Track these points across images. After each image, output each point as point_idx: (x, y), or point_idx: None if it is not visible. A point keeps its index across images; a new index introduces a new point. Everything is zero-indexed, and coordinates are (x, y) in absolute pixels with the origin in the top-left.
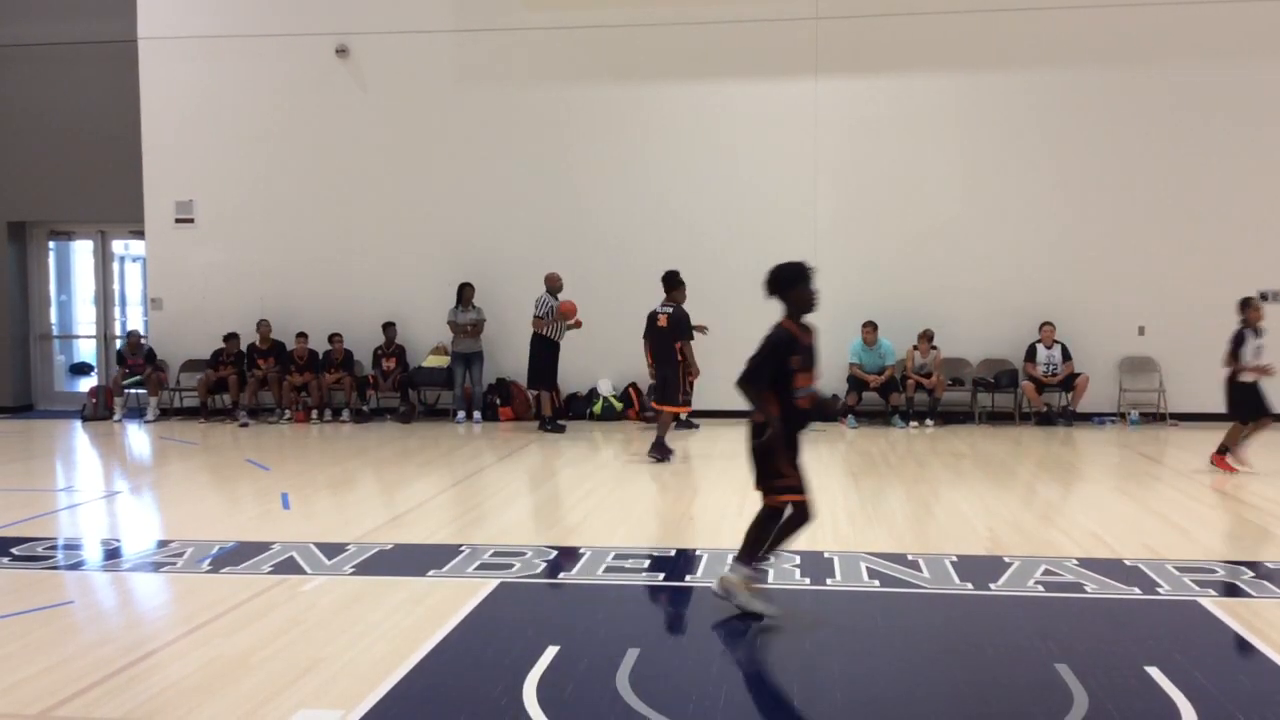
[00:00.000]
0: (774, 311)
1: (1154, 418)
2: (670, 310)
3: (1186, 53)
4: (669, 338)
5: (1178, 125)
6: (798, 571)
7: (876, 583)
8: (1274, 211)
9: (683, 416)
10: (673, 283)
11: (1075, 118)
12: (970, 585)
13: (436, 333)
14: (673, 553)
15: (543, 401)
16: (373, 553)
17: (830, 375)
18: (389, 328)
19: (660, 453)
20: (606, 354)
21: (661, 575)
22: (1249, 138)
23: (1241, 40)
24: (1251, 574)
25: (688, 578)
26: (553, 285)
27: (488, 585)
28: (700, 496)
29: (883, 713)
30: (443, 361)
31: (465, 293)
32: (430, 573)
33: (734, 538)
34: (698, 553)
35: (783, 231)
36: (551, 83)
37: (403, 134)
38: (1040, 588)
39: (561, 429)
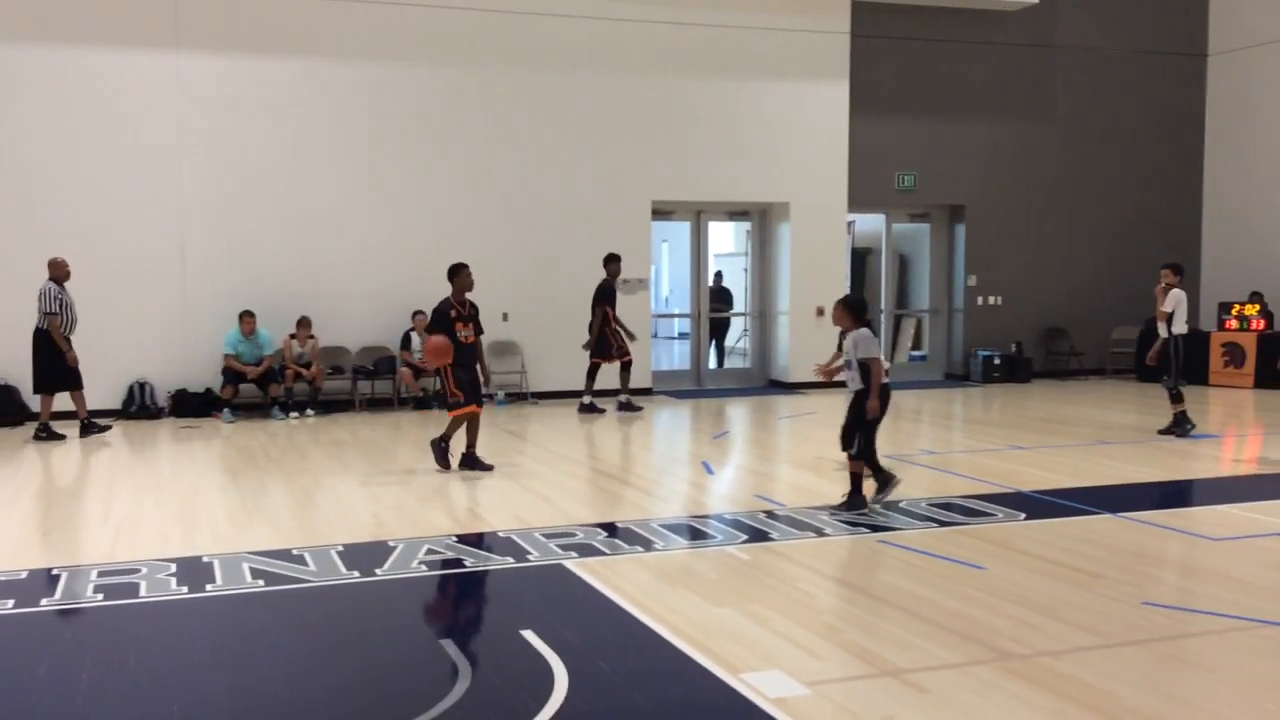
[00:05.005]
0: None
1: (518, 397)
2: None
3: (523, 59)
4: None
5: (519, 128)
6: (174, 581)
7: (261, 582)
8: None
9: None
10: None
11: (437, 116)
12: (357, 573)
13: None
14: (23, 575)
15: (78, 403)
16: None
17: (203, 368)
18: None
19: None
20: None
21: (11, 603)
22: (576, 144)
23: (577, 52)
24: (605, 534)
25: (44, 602)
26: (58, 273)
27: None
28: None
29: (273, 716)
30: None
31: None
32: None
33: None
34: (53, 571)
35: (147, 215)
36: None
37: None
38: (424, 568)
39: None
